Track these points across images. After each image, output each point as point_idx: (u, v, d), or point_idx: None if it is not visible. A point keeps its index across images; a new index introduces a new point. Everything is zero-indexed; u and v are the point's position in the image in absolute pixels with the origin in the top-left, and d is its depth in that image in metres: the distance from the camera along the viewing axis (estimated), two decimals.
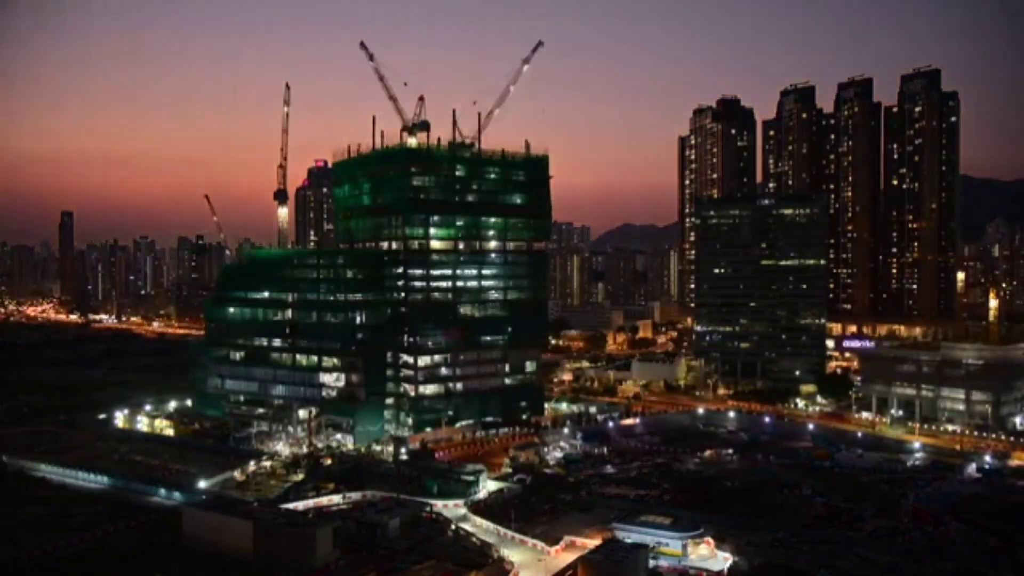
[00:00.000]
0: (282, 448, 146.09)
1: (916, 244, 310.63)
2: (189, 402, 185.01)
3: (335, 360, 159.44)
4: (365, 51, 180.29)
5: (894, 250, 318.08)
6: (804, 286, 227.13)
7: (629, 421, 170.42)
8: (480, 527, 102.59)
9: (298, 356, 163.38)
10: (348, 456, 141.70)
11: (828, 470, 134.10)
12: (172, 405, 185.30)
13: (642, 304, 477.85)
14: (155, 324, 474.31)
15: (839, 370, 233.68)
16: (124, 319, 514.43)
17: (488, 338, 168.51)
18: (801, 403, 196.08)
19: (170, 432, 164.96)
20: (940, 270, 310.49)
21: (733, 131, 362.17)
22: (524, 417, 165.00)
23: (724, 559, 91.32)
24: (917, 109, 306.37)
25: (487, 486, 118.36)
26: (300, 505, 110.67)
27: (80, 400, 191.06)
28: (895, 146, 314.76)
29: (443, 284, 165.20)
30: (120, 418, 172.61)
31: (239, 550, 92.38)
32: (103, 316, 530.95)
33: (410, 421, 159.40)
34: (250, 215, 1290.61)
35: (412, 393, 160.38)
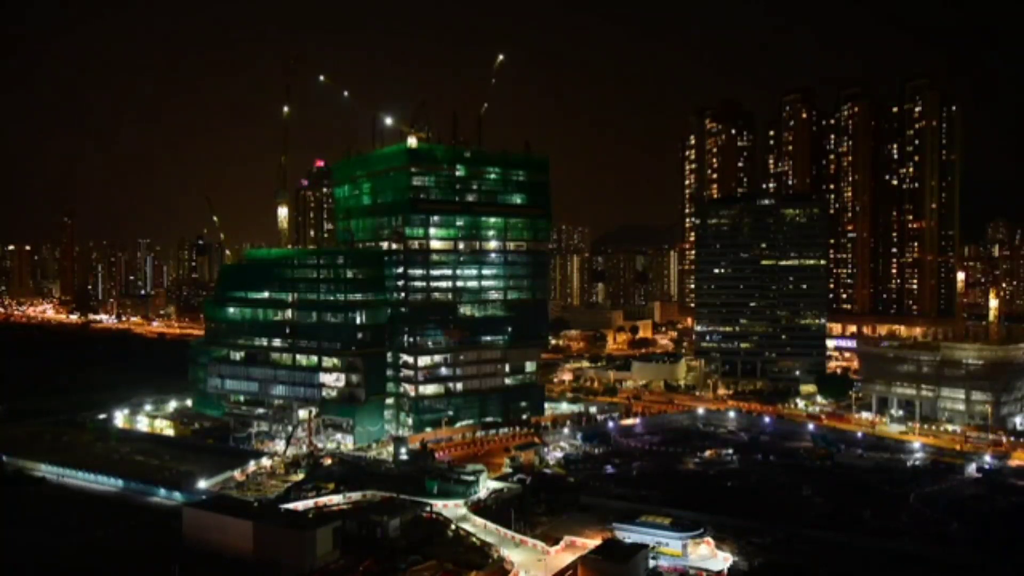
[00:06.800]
0: (282, 448, 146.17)
1: (916, 244, 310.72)
2: (189, 402, 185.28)
3: (335, 360, 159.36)
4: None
5: (894, 250, 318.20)
6: (804, 286, 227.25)
7: (629, 421, 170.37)
8: (480, 527, 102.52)
9: (298, 356, 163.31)
10: (348, 456, 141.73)
11: (828, 470, 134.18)
12: (172, 405, 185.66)
13: (642, 304, 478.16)
14: (155, 324, 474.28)
15: (839, 370, 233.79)
16: (124, 319, 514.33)
17: (488, 338, 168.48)
18: (801, 403, 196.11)
19: (170, 432, 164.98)
20: (940, 270, 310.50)
21: (734, 131, 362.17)
22: (524, 417, 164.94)
23: (724, 559, 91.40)
24: (917, 109, 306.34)
25: (487, 486, 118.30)
26: (300, 505, 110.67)
27: (80, 400, 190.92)
28: (895, 146, 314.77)
29: (443, 284, 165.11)
30: (120, 418, 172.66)
31: (239, 550, 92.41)
32: (103, 316, 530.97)
33: (410, 421, 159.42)
34: (250, 215, 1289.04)
35: (412, 393, 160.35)
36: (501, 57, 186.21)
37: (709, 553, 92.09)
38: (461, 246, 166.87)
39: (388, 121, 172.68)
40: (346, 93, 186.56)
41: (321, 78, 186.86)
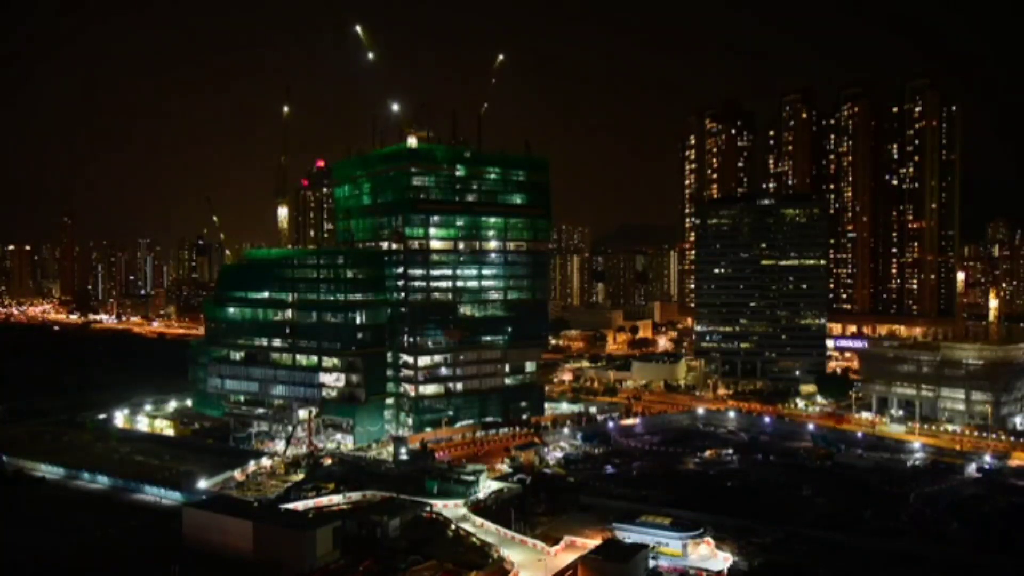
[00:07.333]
0: (282, 448, 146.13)
1: (916, 244, 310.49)
2: (189, 402, 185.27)
3: (335, 360, 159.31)
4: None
5: (894, 250, 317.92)
6: (804, 286, 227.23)
7: (629, 421, 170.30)
8: (480, 527, 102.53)
9: (298, 356, 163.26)
10: (348, 456, 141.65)
11: (828, 470, 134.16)
12: (172, 405, 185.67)
13: (642, 304, 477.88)
14: (155, 324, 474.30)
15: (839, 370, 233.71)
16: (124, 319, 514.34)
17: (488, 338, 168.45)
18: (801, 403, 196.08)
19: (170, 432, 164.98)
20: (940, 270, 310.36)
21: (734, 132, 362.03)
22: (524, 417, 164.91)
23: (724, 559, 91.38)
24: (917, 109, 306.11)
25: (487, 486, 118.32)
26: (300, 505, 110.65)
27: (80, 400, 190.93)
28: (895, 146, 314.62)
29: (443, 284, 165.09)
30: (120, 418, 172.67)
31: (239, 550, 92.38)
32: (103, 316, 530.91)
33: (410, 421, 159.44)
34: (250, 215, 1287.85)
35: (412, 393, 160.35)
36: (501, 57, 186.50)
37: (709, 553, 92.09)
38: (461, 246, 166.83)
39: (395, 107, 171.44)
40: (371, 55, 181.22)
41: (357, 28, 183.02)
